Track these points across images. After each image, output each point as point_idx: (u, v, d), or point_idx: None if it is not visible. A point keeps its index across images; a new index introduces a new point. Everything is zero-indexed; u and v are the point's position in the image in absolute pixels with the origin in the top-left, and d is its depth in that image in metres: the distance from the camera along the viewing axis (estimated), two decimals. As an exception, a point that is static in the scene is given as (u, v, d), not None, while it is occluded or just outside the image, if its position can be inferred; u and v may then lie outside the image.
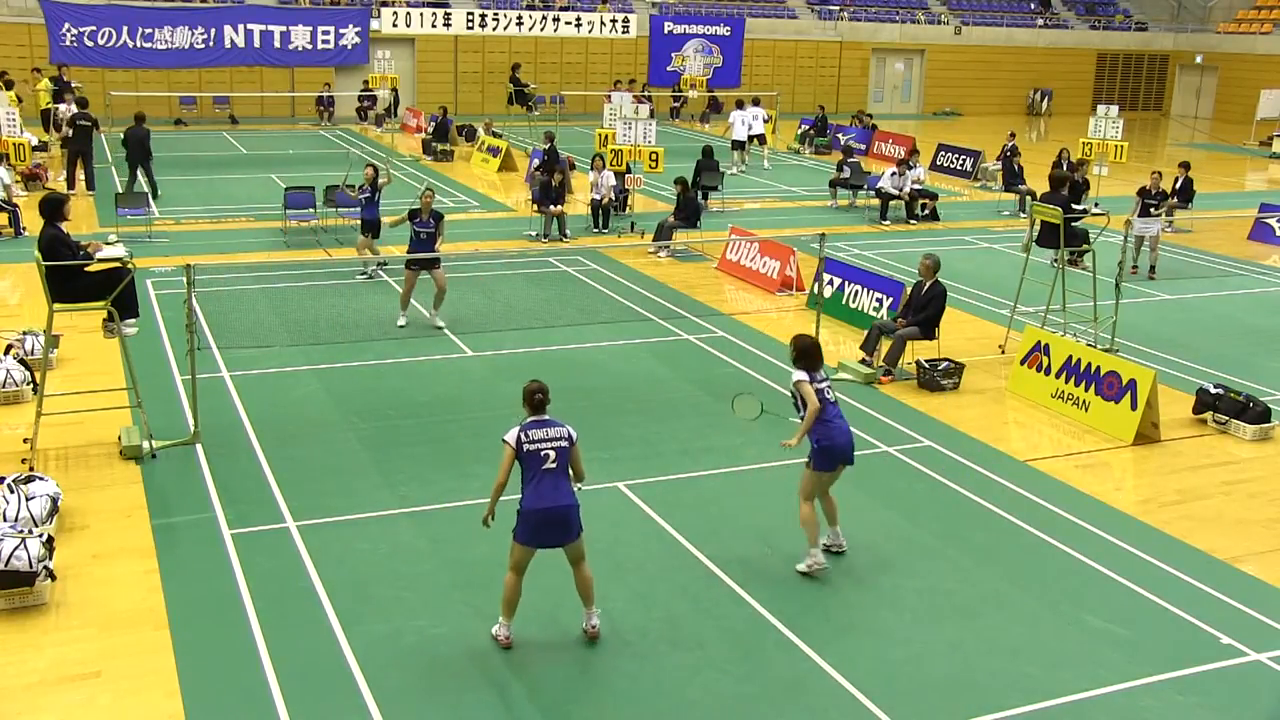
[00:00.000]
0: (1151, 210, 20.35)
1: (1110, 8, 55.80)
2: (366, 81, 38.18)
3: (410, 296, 15.47)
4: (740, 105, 31.48)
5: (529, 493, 7.73)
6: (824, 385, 9.14)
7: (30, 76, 33.63)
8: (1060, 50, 52.17)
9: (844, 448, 9.10)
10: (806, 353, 9.19)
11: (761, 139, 31.55)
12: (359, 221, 18.22)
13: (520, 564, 7.90)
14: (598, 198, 22.22)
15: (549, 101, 40.66)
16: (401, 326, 15.30)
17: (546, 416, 7.86)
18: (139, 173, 24.02)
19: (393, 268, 18.17)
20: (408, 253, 15.63)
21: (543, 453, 7.72)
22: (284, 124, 39.34)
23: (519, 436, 7.73)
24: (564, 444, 7.78)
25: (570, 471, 7.87)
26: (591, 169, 22.63)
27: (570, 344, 15.02)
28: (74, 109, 25.84)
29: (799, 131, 36.77)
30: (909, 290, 14.61)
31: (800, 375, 9.12)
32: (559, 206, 21.43)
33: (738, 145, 30.87)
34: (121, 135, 24.61)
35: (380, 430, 11.89)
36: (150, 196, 23.06)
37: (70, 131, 24.52)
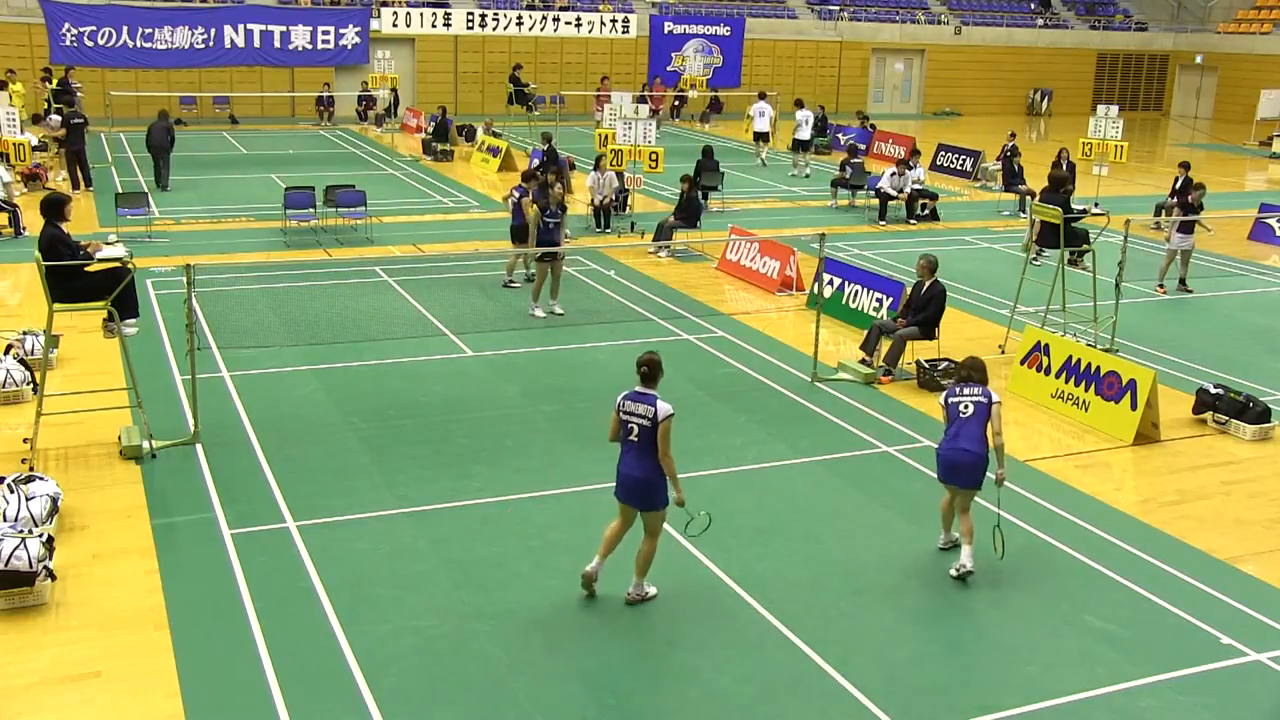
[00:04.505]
0: (1199, 223, 19.61)
1: (1110, 8, 55.79)
2: (366, 82, 38.19)
3: (542, 288, 16.06)
4: (762, 96, 32.38)
5: (621, 454, 8.40)
6: (959, 401, 9.27)
7: (36, 83, 33.56)
8: (1060, 50, 52.15)
9: (946, 465, 9.25)
10: (971, 368, 9.55)
11: (766, 136, 31.97)
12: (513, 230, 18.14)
13: (622, 514, 8.53)
14: (599, 198, 22.20)
15: (549, 101, 40.65)
16: (535, 316, 15.96)
17: (649, 391, 8.26)
18: (160, 164, 25.31)
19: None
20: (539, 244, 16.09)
21: (629, 425, 8.26)
22: (284, 124, 39.32)
23: (621, 403, 8.30)
24: (646, 423, 8.16)
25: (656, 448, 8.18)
26: (594, 169, 22.62)
27: (570, 344, 15.02)
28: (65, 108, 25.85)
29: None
30: (909, 290, 14.61)
31: (945, 392, 9.52)
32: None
33: (759, 137, 31.77)
34: (145, 133, 25.64)
35: (380, 430, 11.89)
36: (159, 185, 24.92)
37: (64, 131, 24.52)
